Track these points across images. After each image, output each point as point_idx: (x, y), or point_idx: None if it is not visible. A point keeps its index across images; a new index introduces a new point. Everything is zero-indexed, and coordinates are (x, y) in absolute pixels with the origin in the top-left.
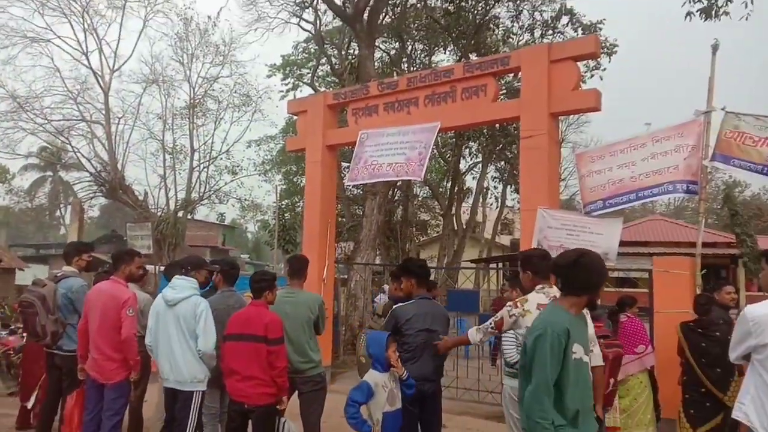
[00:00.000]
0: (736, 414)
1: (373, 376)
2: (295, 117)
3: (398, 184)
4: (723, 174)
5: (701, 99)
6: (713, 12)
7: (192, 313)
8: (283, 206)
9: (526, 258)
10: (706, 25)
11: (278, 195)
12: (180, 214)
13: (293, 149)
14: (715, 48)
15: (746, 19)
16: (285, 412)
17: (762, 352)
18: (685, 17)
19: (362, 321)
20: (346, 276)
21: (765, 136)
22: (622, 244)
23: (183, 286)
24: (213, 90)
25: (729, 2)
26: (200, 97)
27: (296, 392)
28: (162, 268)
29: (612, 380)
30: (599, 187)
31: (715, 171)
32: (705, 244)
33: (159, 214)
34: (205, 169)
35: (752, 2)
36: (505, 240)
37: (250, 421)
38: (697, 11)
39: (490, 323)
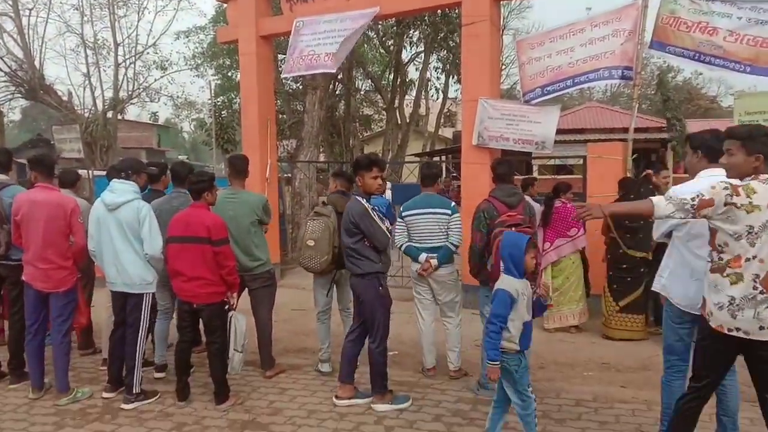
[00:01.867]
0: (655, 286)
1: (510, 283)
2: (224, 5)
3: (339, 77)
4: (657, 59)
5: None
6: None
7: (135, 217)
8: (218, 103)
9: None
10: None
11: (212, 91)
12: (109, 114)
13: (225, 41)
14: None
15: None
16: (236, 308)
17: (682, 229)
18: None
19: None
20: (290, 174)
21: (698, 20)
22: (560, 131)
23: (123, 189)
24: None
25: None
26: None
27: (246, 289)
28: (95, 172)
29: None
30: (538, 74)
31: (650, 56)
32: (638, 130)
33: (87, 115)
34: (132, 65)
35: None
36: (448, 132)
37: (200, 318)
38: None
39: (693, 198)
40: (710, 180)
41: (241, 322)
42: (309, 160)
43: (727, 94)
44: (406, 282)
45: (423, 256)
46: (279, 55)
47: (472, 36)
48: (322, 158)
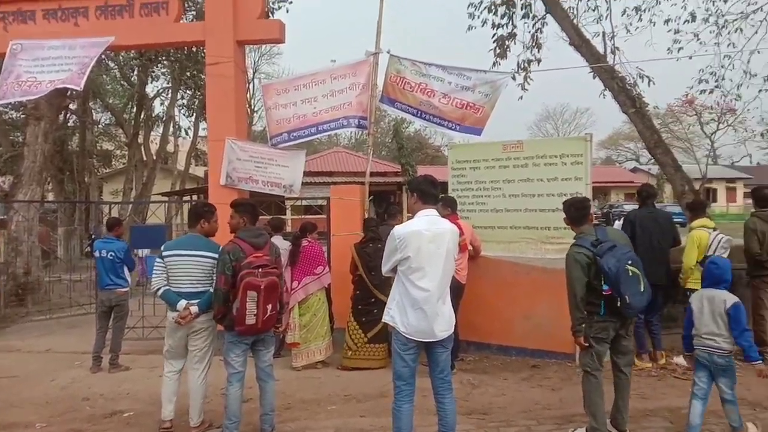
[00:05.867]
0: (385, 318)
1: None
2: None
3: (72, 107)
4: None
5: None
6: None
7: None
8: None
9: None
10: None
11: None
12: None
13: None
14: None
15: None
16: None
17: (404, 264)
18: None
19: (27, 268)
20: (4, 216)
21: (419, 81)
22: (310, 174)
23: None
24: None
25: None
26: None
27: None
28: None
29: (269, 306)
30: (285, 120)
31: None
32: (377, 173)
33: None
34: None
35: None
36: (199, 171)
37: None
38: None
39: None
40: (427, 219)
41: None
42: (30, 200)
43: (447, 144)
44: (147, 333)
45: (182, 303)
46: None
47: (217, 76)
48: (50, 197)
